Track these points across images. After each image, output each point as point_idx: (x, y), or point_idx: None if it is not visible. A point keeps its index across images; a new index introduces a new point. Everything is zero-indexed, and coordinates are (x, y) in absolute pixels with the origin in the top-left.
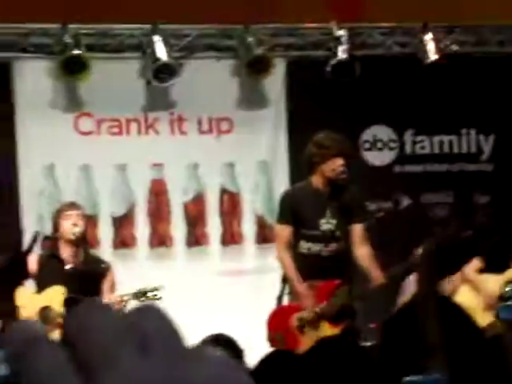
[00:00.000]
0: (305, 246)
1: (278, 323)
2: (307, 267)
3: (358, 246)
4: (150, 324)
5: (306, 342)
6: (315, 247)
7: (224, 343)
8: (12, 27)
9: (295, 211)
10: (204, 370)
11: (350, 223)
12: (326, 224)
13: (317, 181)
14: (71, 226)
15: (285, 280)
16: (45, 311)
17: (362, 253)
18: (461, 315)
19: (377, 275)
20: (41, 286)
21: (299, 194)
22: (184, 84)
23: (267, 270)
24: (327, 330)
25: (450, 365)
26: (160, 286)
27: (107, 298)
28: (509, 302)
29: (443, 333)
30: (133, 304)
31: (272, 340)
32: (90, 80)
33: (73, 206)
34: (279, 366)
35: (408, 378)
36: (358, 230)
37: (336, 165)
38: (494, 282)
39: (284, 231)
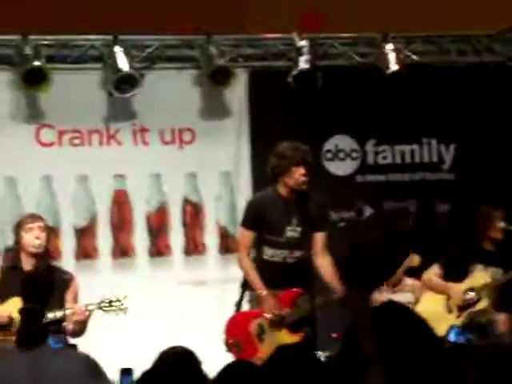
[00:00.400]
0: (268, 253)
1: (236, 329)
2: (270, 274)
3: (319, 255)
4: None
5: (264, 350)
6: (279, 254)
7: (182, 355)
8: None
9: (261, 217)
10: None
11: (313, 232)
12: (291, 231)
13: (281, 189)
14: (33, 239)
15: (244, 286)
16: (8, 323)
17: (323, 263)
18: (419, 325)
19: (337, 286)
20: (3, 298)
21: (266, 201)
22: (146, 95)
23: (230, 280)
24: (286, 337)
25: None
26: (125, 296)
27: (71, 307)
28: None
29: (378, 344)
30: (98, 314)
31: (230, 346)
32: (51, 91)
33: (34, 217)
34: (238, 377)
35: None
36: (319, 238)
37: (298, 174)
38: (455, 290)
39: (247, 236)
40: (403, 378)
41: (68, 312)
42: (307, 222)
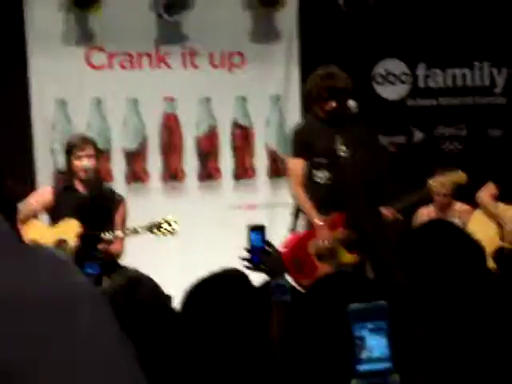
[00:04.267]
0: (319, 175)
1: (294, 249)
2: (322, 196)
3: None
4: None
5: (323, 269)
6: (328, 175)
7: (236, 277)
8: None
9: (308, 142)
10: (42, 275)
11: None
12: (339, 151)
13: (319, 114)
14: (83, 166)
15: (297, 214)
16: (60, 245)
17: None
18: (470, 245)
19: (388, 210)
20: (56, 219)
21: (310, 126)
22: (196, 18)
23: (279, 203)
24: (345, 257)
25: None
26: (175, 220)
27: (120, 229)
28: None
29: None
30: (147, 236)
31: (289, 265)
32: (102, 14)
33: (84, 142)
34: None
35: (352, 306)
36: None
37: (327, 107)
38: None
39: (297, 165)
40: (445, 305)
41: (117, 234)
42: (355, 144)
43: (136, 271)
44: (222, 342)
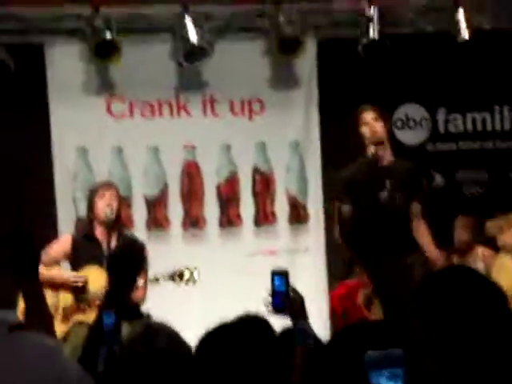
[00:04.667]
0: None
1: (342, 300)
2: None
3: (416, 222)
4: None
5: (371, 317)
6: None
7: (256, 322)
8: (45, 11)
9: (353, 187)
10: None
11: (409, 198)
12: (386, 197)
13: (369, 152)
14: (105, 206)
15: (349, 262)
16: (81, 285)
17: (420, 228)
18: (494, 293)
19: (436, 253)
20: (76, 267)
21: (356, 170)
22: (215, 65)
23: (300, 249)
24: None
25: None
26: (195, 268)
27: (141, 277)
28: None
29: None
30: (168, 286)
31: (337, 317)
32: (122, 63)
33: (107, 185)
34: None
35: (369, 353)
36: (416, 206)
37: (365, 119)
38: None
39: (343, 210)
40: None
41: (138, 282)
42: (400, 187)
43: (156, 320)
44: None
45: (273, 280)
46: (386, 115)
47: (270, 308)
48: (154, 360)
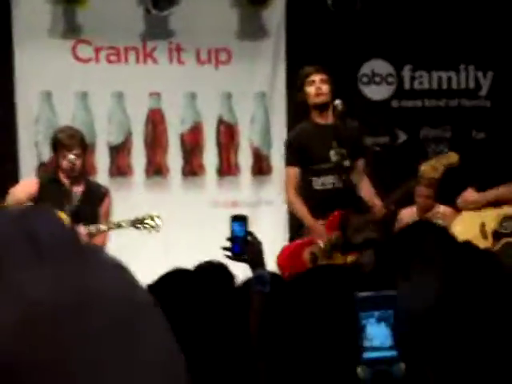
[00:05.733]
0: (318, 182)
1: (289, 259)
2: (322, 203)
3: (360, 178)
4: (41, 227)
5: None
6: (329, 180)
7: (216, 268)
8: None
9: (303, 149)
10: (107, 279)
11: (354, 156)
12: (336, 155)
13: (314, 117)
14: (71, 163)
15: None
16: None
17: (363, 185)
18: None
19: (379, 206)
20: None
21: (304, 132)
22: (183, 13)
23: (262, 201)
24: (340, 260)
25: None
26: (158, 215)
27: (104, 222)
28: None
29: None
30: (130, 232)
31: (284, 275)
32: (89, 7)
33: (72, 139)
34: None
35: (360, 294)
36: (359, 163)
37: (311, 84)
38: (488, 216)
39: (292, 173)
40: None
41: (100, 227)
42: (345, 146)
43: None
44: (195, 335)
45: (232, 225)
46: (331, 78)
47: (229, 253)
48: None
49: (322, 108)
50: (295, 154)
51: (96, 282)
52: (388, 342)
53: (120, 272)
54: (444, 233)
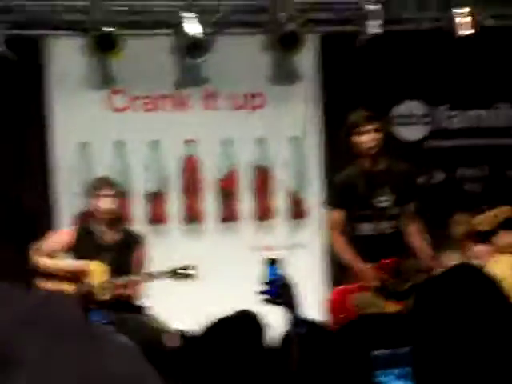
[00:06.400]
0: (361, 228)
1: (337, 306)
2: (365, 249)
3: (409, 223)
4: (62, 312)
5: None
6: (372, 227)
7: (248, 319)
8: (45, 4)
9: (350, 193)
10: (119, 366)
11: (405, 201)
12: (381, 202)
13: (362, 162)
14: (106, 207)
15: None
16: (82, 272)
17: (413, 230)
18: (493, 287)
19: (426, 253)
20: (78, 259)
21: (350, 176)
22: (216, 60)
23: (299, 245)
24: (391, 307)
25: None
26: (194, 265)
27: (138, 272)
28: None
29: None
30: (165, 281)
31: (333, 324)
32: (123, 57)
33: (106, 184)
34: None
35: (377, 352)
36: (410, 207)
37: (360, 139)
38: None
39: (337, 216)
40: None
41: (132, 278)
42: (396, 191)
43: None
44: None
45: (267, 268)
46: (383, 123)
47: (266, 296)
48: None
49: (375, 156)
50: (342, 197)
51: (108, 368)
52: None
53: (130, 356)
54: (484, 276)
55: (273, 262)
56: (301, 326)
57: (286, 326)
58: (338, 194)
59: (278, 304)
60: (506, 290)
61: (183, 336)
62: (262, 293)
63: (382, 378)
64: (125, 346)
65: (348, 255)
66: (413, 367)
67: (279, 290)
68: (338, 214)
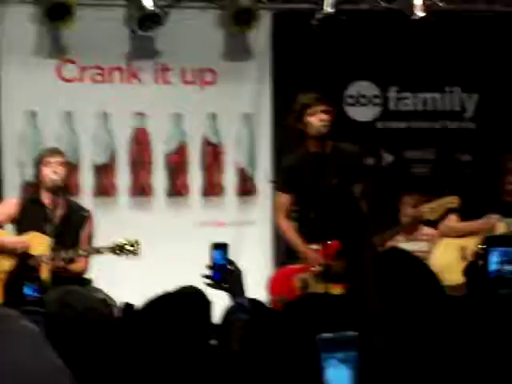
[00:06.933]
0: (307, 210)
1: (279, 286)
2: (311, 231)
3: None
4: None
5: None
6: (322, 208)
7: (192, 294)
8: None
9: (297, 177)
10: (22, 353)
11: (349, 183)
12: (328, 185)
13: (309, 145)
14: (52, 173)
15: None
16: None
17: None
18: (424, 270)
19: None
20: (21, 230)
21: (299, 160)
22: (169, 34)
23: (247, 222)
24: (333, 290)
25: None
26: (137, 241)
27: (84, 247)
28: None
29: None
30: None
31: (274, 303)
32: (75, 27)
33: (54, 152)
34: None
35: (323, 335)
36: (356, 189)
37: (315, 118)
38: (468, 238)
39: (284, 199)
40: (404, 328)
41: (80, 253)
42: (342, 173)
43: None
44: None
45: (212, 253)
46: (333, 108)
47: (209, 281)
48: (69, 321)
49: (323, 138)
50: (289, 181)
51: (10, 354)
52: (350, 382)
53: (33, 343)
54: (415, 261)
55: (218, 247)
56: (244, 312)
57: (229, 311)
58: (285, 178)
59: (222, 289)
60: (435, 273)
61: (127, 309)
62: (207, 277)
63: (326, 362)
64: (30, 332)
65: (293, 237)
66: (358, 351)
67: (224, 275)
68: (285, 198)
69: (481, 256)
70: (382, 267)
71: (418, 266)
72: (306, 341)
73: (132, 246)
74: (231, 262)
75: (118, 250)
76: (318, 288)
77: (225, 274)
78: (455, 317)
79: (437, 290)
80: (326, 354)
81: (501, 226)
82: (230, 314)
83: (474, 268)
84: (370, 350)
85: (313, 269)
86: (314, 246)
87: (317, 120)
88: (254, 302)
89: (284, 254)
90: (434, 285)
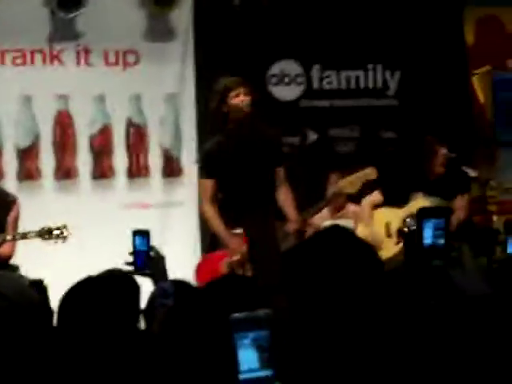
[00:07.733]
0: (236, 194)
1: (206, 272)
2: (235, 216)
3: (279, 188)
4: None
5: None
6: (246, 191)
7: (117, 278)
8: None
9: (220, 162)
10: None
11: (273, 166)
12: (250, 168)
13: (232, 127)
14: None
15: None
16: None
17: (282, 196)
18: (364, 248)
19: (294, 218)
20: None
21: (221, 145)
22: (90, 15)
23: (173, 203)
24: None
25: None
26: (65, 225)
27: (10, 232)
28: None
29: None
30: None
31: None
32: None
33: None
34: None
35: (234, 315)
36: (279, 172)
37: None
38: (393, 215)
39: (207, 186)
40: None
41: (6, 238)
42: (264, 156)
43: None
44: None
45: (134, 240)
46: (252, 89)
47: (132, 267)
48: None
49: (245, 121)
50: (212, 166)
51: None
52: (263, 361)
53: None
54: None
55: (140, 234)
56: (168, 298)
57: (152, 297)
58: (208, 164)
59: (145, 275)
60: (376, 251)
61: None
62: (129, 264)
63: (238, 341)
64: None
65: (215, 225)
66: (270, 331)
67: (146, 262)
68: (209, 183)
69: (415, 229)
70: (323, 244)
71: (358, 243)
72: (221, 321)
73: (60, 230)
74: (153, 249)
75: (46, 234)
76: (244, 272)
77: (146, 260)
78: (392, 291)
79: (377, 266)
80: (238, 334)
81: (424, 204)
82: (153, 299)
83: (411, 240)
84: (280, 328)
85: (233, 258)
86: (239, 230)
87: (239, 102)
88: (179, 285)
89: (212, 235)
90: (375, 261)
